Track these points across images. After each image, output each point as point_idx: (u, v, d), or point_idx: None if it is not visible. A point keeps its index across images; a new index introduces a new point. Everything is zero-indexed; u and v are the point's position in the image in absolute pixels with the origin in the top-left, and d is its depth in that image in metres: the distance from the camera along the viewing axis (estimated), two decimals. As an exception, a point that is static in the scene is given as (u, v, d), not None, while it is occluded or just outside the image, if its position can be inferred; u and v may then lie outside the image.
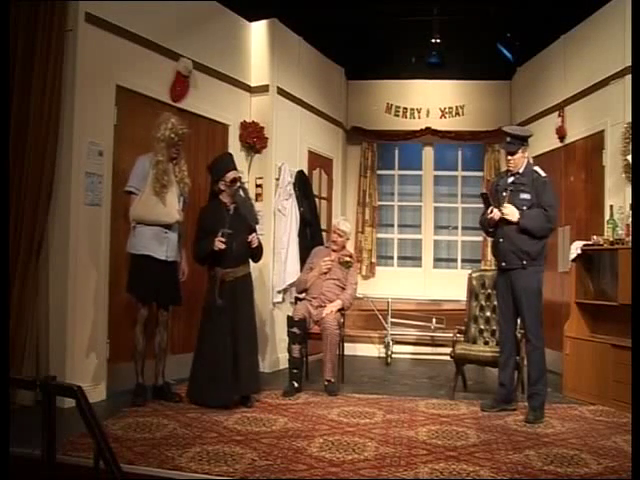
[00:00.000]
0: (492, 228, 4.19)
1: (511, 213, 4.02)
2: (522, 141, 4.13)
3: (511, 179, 4.17)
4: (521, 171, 4.14)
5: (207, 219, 4.24)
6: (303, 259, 5.68)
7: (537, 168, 4.18)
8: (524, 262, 4.01)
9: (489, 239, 4.51)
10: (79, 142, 4.18)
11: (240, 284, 4.21)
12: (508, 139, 4.16)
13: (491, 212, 4.10)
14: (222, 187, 4.23)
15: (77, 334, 4.16)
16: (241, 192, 4.23)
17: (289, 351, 4.76)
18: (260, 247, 4.36)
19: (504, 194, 4.15)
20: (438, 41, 6.94)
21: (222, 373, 4.01)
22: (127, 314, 4.41)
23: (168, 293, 4.25)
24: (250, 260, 4.38)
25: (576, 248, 4.90)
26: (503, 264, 4.13)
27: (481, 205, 4.30)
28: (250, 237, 4.19)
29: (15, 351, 3.89)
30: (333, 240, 5.21)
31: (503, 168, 4.40)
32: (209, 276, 4.26)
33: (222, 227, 4.10)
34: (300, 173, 6.38)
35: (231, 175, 4.22)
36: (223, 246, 4.03)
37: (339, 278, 5.06)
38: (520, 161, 4.14)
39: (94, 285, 4.29)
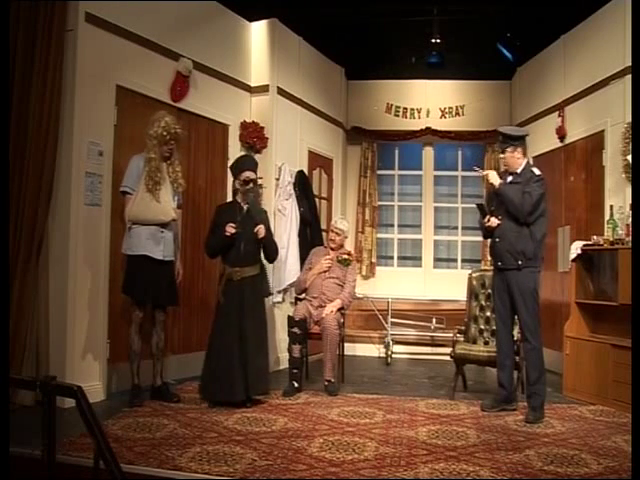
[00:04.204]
0: (489, 233, 4.24)
1: (493, 177, 4.17)
2: (514, 140, 4.17)
3: (509, 179, 4.21)
4: (519, 171, 4.17)
5: (220, 216, 4.31)
6: (303, 259, 5.68)
7: (534, 168, 4.21)
8: (520, 262, 4.04)
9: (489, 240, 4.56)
10: (79, 142, 4.18)
11: (248, 285, 4.19)
12: (501, 138, 4.23)
13: (488, 221, 4.16)
14: (237, 185, 4.32)
15: (77, 334, 4.16)
16: (251, 195, 4.25)
17: (289, 351, 4.76)
18: (273, 244, 4.41)
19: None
20: (438, 41, 6.93)
21: (229, 372, 4.01)
22: (127, 314, 4.40)
23: (165, 293, 4.23)
24: (265, 261, 4.41)
25: (576, 248, 4.90)
26: (499, 264, 4.16)
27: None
28: (256, 228, 4.20)
29: (15, 351, 3.88)
30: (331, 239, 5.22)
31: (503, 168, 4.42)
32: (220, 275, 4.27)
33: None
34: (300, 173, 6.38)
35: (244, 175, 4.27)
36: (233, 231, 4.08)
37: (338, 277, 5.07)
38: (513, 160, 4.17)
39: (94, 285, 4.29)
